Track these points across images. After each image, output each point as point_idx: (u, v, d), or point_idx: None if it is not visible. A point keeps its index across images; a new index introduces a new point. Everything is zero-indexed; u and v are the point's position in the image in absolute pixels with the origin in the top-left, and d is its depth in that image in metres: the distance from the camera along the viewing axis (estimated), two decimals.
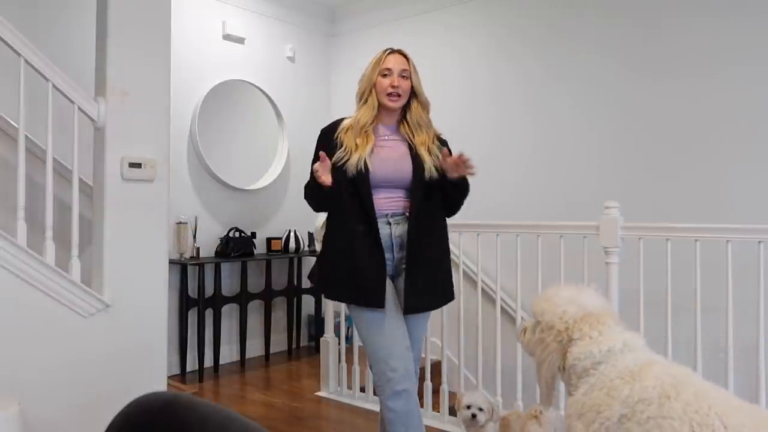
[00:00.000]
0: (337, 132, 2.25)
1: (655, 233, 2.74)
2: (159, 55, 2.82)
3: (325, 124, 2.39)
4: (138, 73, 2.73)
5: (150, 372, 2.76)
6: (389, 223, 2.21)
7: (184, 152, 4.53)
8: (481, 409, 2.52)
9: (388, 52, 2.26)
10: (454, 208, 2.35)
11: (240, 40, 4.86)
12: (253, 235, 4.80)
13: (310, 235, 5.07)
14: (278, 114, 5.06)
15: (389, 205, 2.22)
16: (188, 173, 4.56)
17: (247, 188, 4.88)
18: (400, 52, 2.27)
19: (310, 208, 2.37)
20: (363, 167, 2.15)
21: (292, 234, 4.94)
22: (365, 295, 2.16)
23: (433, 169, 2.21)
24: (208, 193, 4.67)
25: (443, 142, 2.33)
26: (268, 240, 4.92)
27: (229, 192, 4.79)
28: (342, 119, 2.32)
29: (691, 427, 1.29)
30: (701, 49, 3.58)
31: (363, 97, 2.27)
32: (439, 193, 2.26)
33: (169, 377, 3.13)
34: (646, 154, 3.77)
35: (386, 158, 2.21)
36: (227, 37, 4.76)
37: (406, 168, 2.21)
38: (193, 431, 1.02)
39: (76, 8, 3.83)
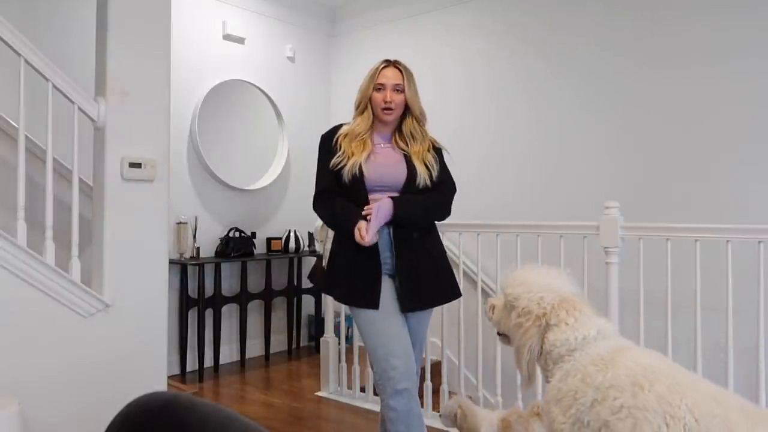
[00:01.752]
0: (336, 137, 2.30)
1: (655, 233, 2.74)
2: (159, 55, 2.82)
3: (323, 126, 2.47)
4: (138, 73, 2.73)
5: (150, 372, 2.76)
6: (385, 224, 2.23)
7: (184, 152, 4.53)
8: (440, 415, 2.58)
9: (383, 65, 2.30)
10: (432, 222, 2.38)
11: (240, 40, 4.86)
12: (253, 235, 4.80)
13: (310, 235, 5.07)
14: (278, 114, 5.06)
15: None
16: (188, 173, 4.56)
17: (247, 188, 4.87)
18: (395, 64, 2.31)
19: (316, 215, 2.42)
20: (358, 171, 2.21)
21: (292, 234, 4.94)
22: (360, 295, 2.21)
23: (426, 179, 2.27)
24: (208, 193, 4.67)
25: (438, 151, 2.39)
26: (268, 240, 4.92)
27: (229, 192, 4.79)
28: (341, 125, 2.38)
29: (664, 419, 1.32)
30: (702, 49, 3.58)
31: (359, 108, 2.33)
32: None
33: (169, 377, 3.13)
34: (646, 154, 3.77)
35: (381, 163, 2.27)
36: (227, 37, 4.76)
37: (400, 172, 2.26)
38: (193, 431, 1.02)
39: (76, 8, 3.83)
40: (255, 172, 5.00)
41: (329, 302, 3.87)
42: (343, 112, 5.49)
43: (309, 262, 5.00)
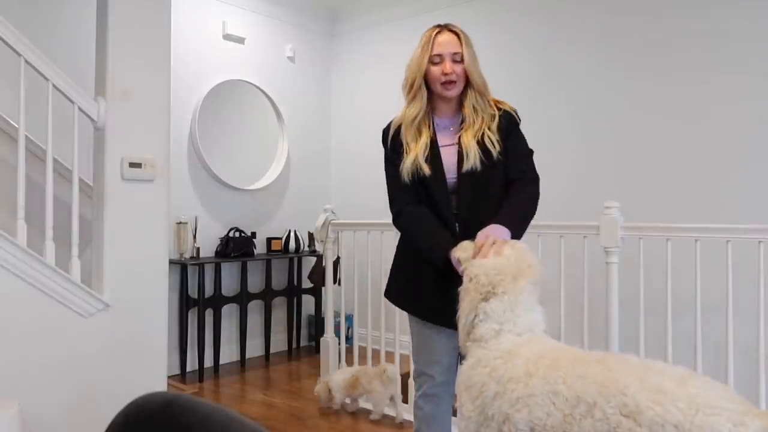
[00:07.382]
0: (392, 130, 2.06)
1: (655, 233, 2.74)
2: (159, 55, 2.82)
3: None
4: (138, 73, 2.74)
5: (150, 372, 2.76)
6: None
7: (184, 152, 4.53)
8: None
9: (437, 31, 2.00)
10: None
11: (240, 40, 4.86)
12: (253, 235, 4.80)
13: (310, 235, 5.07)
14: (278, 114, 5.06)
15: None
16: (188, 173, 4.56)
17: (247, 188, 4.87)
18: (449, 28, 2.01)
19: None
20: (418, 172, 1.96)
21: (292, 234, 4.95)
22: (426, 312, 2.05)
23: (476, 162, 1.94)
24: (208, 193, 4.67)
25: (509, 117, 2.04)
26: (268, 240, 4.92)
27: (229, 192, 4.79)
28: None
29: (549, 398, 1.40)
30: (702, 49, 3.58)
31: (411, 89, 2.02)
32: (497, 189, 2.01)
33: (169, 377, 3.13)
34: (646, 154, 3.77)
35: (440, 155, 2.01)
36: (227, 37, 4.77)
37: (452, 160, 1.99)
38: (193, 431, 1.02)
39: (77, 8, 3.83)
40: (255, 172, 5.00)
41: (329, 302, 3.87)
42: (343, 112, 5.51)
43: (309, 262, 5.00)
